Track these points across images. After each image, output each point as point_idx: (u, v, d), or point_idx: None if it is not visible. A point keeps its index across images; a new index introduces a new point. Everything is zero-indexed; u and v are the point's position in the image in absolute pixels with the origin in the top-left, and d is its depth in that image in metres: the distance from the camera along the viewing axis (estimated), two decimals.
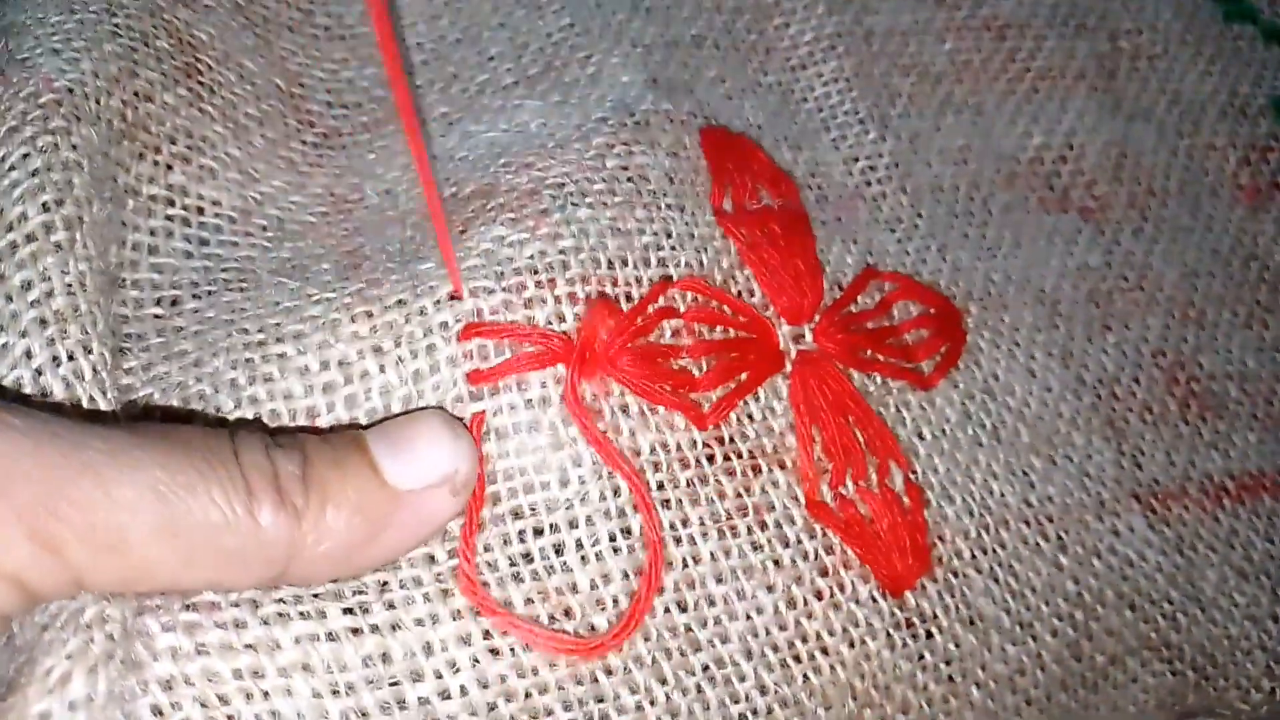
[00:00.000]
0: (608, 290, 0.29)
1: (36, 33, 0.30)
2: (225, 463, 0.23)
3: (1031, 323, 0.36)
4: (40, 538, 0.21)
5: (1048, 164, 0.40)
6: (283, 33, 0.36)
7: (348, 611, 0.25)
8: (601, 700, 0.26)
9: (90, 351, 0.25)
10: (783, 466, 0.30)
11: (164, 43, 0.32)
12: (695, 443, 0.29)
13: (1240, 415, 0.37)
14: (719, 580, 0.28)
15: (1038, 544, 0.32)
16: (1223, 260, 0.40)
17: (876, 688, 0.29)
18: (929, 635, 0.30)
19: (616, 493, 0.28)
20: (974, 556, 0.31)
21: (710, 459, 0.29)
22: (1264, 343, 0.39)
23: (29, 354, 0.25)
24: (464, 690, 0.25)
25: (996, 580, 0.31)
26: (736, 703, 0.28)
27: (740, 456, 0.29)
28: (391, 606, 0.25)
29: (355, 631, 0.25)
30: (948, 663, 0.30)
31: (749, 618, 0.28)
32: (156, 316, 0.29)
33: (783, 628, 0.28)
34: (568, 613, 0.27)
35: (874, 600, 0.30)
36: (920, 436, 0.33)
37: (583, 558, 0.27)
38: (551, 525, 0.27)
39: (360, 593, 0.25)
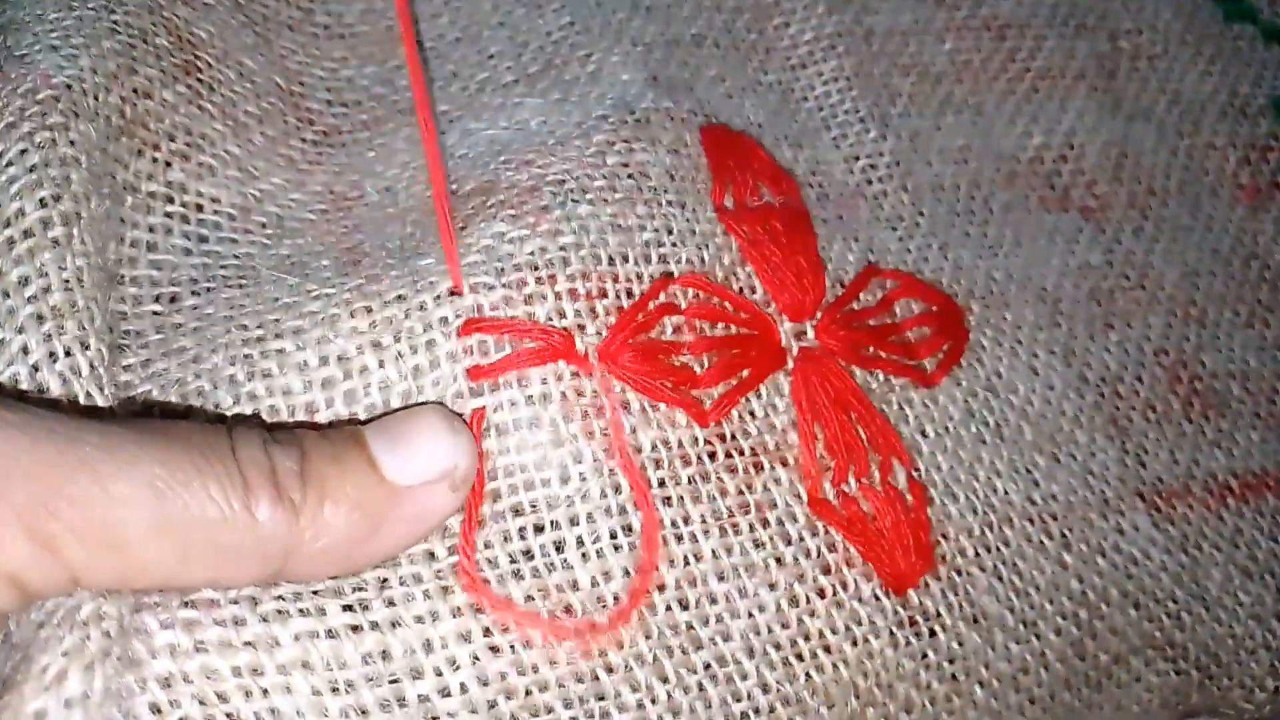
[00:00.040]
0: (608, 287, 0.29)
1: (35, 29, 0.30)
2: (222, 458, 0.22)
3: (1033, 321, 0.36)
4: (36, 535, 0.21)
5: (1048, 163, 0.40)
6: (282, 31, 0.36)
7: (347, 608, 0.25)
8: (602, 698, 0.26)
9: (87, 347, 0.25)
10: (785, 464, 0.30)
11: (163, 40, 0.31)
12: (697, 440, 0.29)
13: (1243, 414, 0.37)
14: (721, 578, 0.28)
15: (1041, 542, 0.32)
16: (1223, 259, 0.40)
17: (879, 686, 0.29)
18: (932, 633, 0.30)
19: (617, 490, 0.28)
20: (977, 555, 0.31)
21: (712, 456, 0.29)
22: (1265, 342, 0.39)
23: (25, 350, 0.25)
24: (464, 688, 0.25)
25: (1000, 578, 0.31)
26: (738, 701, 0.27)
27: (742, 454, 0.29)
28: (391, 603, 0.25)
29: (355, 629, 0.25)
30: (951, 661, 0.30)
31: (751, 615, 0.28)
32: (155, 313, 0.29)
33: (785, 626, 0.28)
34: (568, 610, 0.26)
35: (877, 598, 0.29)
36: (923, 434, 0.32)
37: (583, 555, 0.27)
38: (552, 522, 0.27)
39: (360, 590, 0.25)
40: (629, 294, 0.29)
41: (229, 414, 0.27)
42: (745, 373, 0.30)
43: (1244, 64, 0.44)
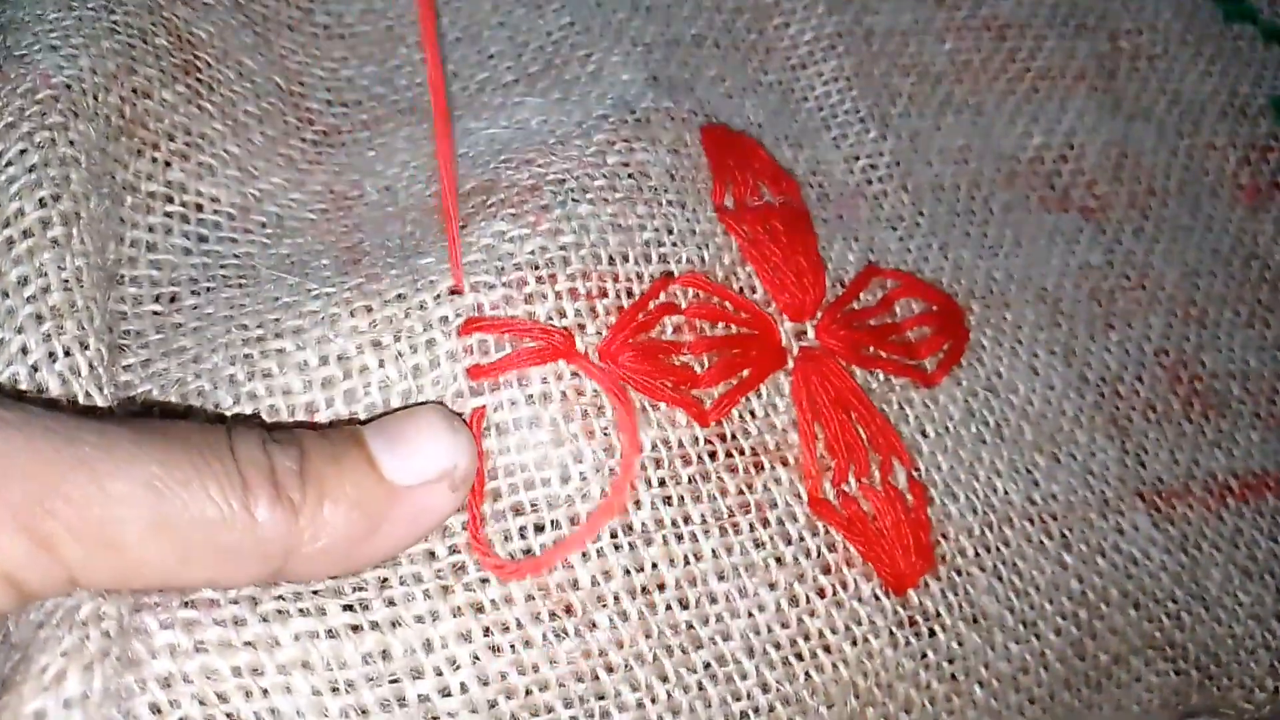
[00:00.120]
0: (609, 286, 0.29)
1: (35, 29, 0.30)
2: (221, 457, 0.22)
3: (1034, 321, 0.36)
4: (34, 534, 0.21)
5: (1048, 163, 0.40)
6: (282, 31, 0.36)
7: (347, 608, 0.25)
8: (602, 697, 0.26)
9: (86, 347, 0.25)
10: (785, 463, 0.30)
11: (162, 40, 0.31)
12: (697, 439, 0.29)
13: (1243, 414, 0.37)
14: (721, 578, 0.28)
15: (1041, 542, 0.32)
16: (1223, 260, 0.40)
17: (879, 686, 0.29)
18: (932, 633, 0.30)
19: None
20: (977, 554, 0.31)
21: (712, 455, 0.29)
22: (1265, 342, 0.39)
23: (25, 350, 0.25)
24: (464, 687, 0.25)
25: (1000, 578, 0.31)
26: (738, 700, 0.27)
27: (742, 453, 0.29)
28: (391, 603, 0.25)
29: (355, 628, 0.25)
30: (951, 661, 0.30)
31: (751, 615, 0.28)
32: (155, 313, 0.29)
33: (785, 625, 0.28)
34: (568, 609, 0.26)
35: (877, 598, 0.29)
36: (923, 434, 0.32)
37: (583, 554, 0.27)
38: (553, 521, 0.27)
39: (360, 589, 0.25)
40: (629, 293, 0.29)
41: (229, 414, 0.27)
42: (745, 372, 0.30)
43: (1244, 64, 0.44)
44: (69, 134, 0.27)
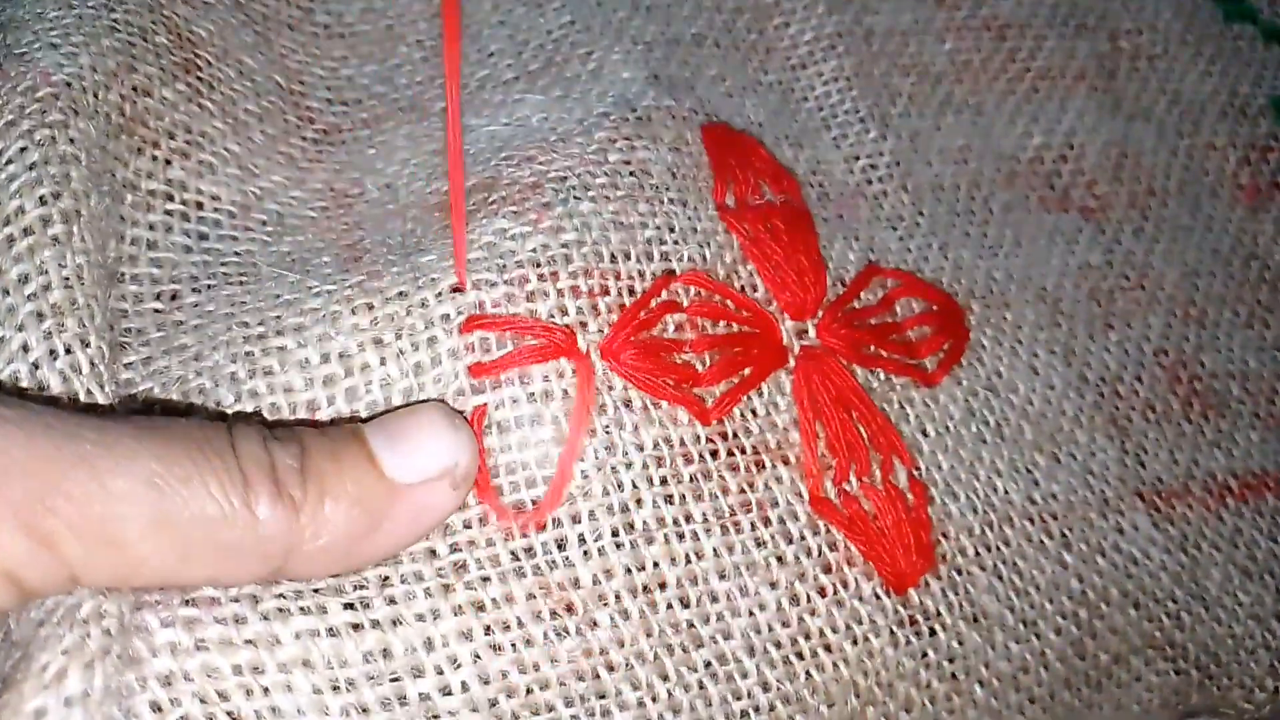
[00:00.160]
0: (610, 284, 0.29)
1: (35, 27, 0.30)
2: (222, 455, 0.22)
3: (1034, 321, 0.36)
4: (34, 532, 0.20)
5: (1048, 164, 0.40)
6: (282, 30, 0.36)
7: (348, 607, 0.25)
8: (603, 696, 0.26)
9: (88, 345, 0.25)
10: (786, 462, 0.30)
11: (163, 38, 0.31)
12: (699, 438, 0.29)
13: (1242, 414, 0.37)
14: (722, 576, 0.28)
15: (1041, 542, 0.32)
16: (1223, 260, 0.40)
17: (879, 685, 0.29)
18: (932, 633, 0.30)
19: (620, 487, 0.27)
20: (978, 554, 0.31)
21: (714, 454, 0.29)
22: (1265, 342, 0.39)
23: (25, 347, 0.25)
24: (465, 686, 0.25)
25: (1000, 578, 0.31)
26: (739, 699, 0.27)
27: (744, 452, 0.29)
28: (392, 602, 0.25)
29: (356, 627, 0.25)
30: (951, 660, 0.30)
31: (752, 614, 0.28)
32: (156, 311, 0.29)
33: (786, 624, 0.28)
34: (570, 608, 0.26)
35: (877, 597, 0.29)
36: (924, 433, 0.32)
37: (585, 552, 0.27)
38: (554, 520, 0.27)
39: (361, 588, 0.25)
40: (631, 291, 0.29)
41: (230, 411, 0.27)
42: (747, 371, 0.30)
43: (1244, 64, 0.44)
44: (69, 132, 0.27)
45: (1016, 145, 0.40)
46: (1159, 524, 0.34)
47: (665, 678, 0.27)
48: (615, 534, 0.27)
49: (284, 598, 0.24)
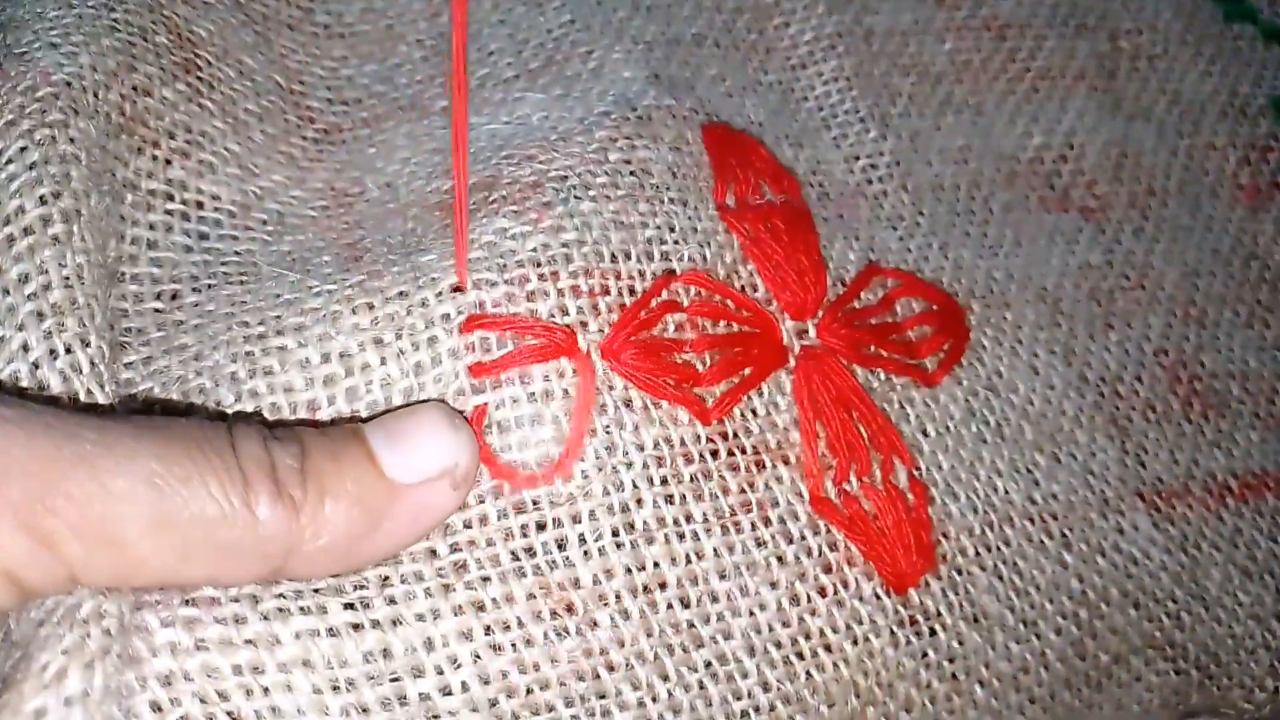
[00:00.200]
0: (611, 284, 0.29)
1: (35, 27, 0.30)
2: (222, 454, 0.22)
3: (1034, 321, 0.36)
4: (34, 532, 0.20)
5: (1048, 164, 0.40)
6: (282, 30, 0.36)
7: (348, 606, 0.25)
8: (604, 696, 0.26)
9: (88, 345, 0.25)
10: (786, 462, 0.30)
11: (163, 38, 0.31)
12: (699, 438, 0.29)
13: (1243, 414, 0.37)
14: (722, 576, 0.28)
15: (1042, 542, 0.32)
16: (1223, 260, 0.40)
17: (880, 685, 0.29)
18: (933, 633, 0.30)
19: (620, 487, 0.27)
20: (978, 554, 0.31)
21: (714, 454, 0.29)
22: (1265, 342, 0.39)
23: (26, 347, 0.25)
24: (465, 686, 0.25)
25: (1000, 578, 0.31)
26: (739, 699, 0.27)
27: (744, 452, 0.29)
28: (393, 601, 0.25)
29: (356, 627, 0.25)
30: (951, 660, 0.30)
31: (752, 614, 0.28)
32: (156, 310, 0.29)
33: (786, 624, 0.28)
34: (570, 608, 0.26)
35: (878, 597, 0.29)
36: (924, 433, 0.32)
37: (585, 552, 0.27)
38: (554, 520, 0.27)
39: (361, 588, 0.25)
40: (631, 291, 0.29)
41: (230, 411, 0.27)
42: (747, 371, 0.30)
43: (1244, 64, 0.44)
44: (69, 131, 0.27)
45: (1016, 145, 0.40)
46: (1159, 524, 0.34)
47: (665, 678, 0.27)
48: (616, 534, 0.27)
49: (284, 598, 0.24)
